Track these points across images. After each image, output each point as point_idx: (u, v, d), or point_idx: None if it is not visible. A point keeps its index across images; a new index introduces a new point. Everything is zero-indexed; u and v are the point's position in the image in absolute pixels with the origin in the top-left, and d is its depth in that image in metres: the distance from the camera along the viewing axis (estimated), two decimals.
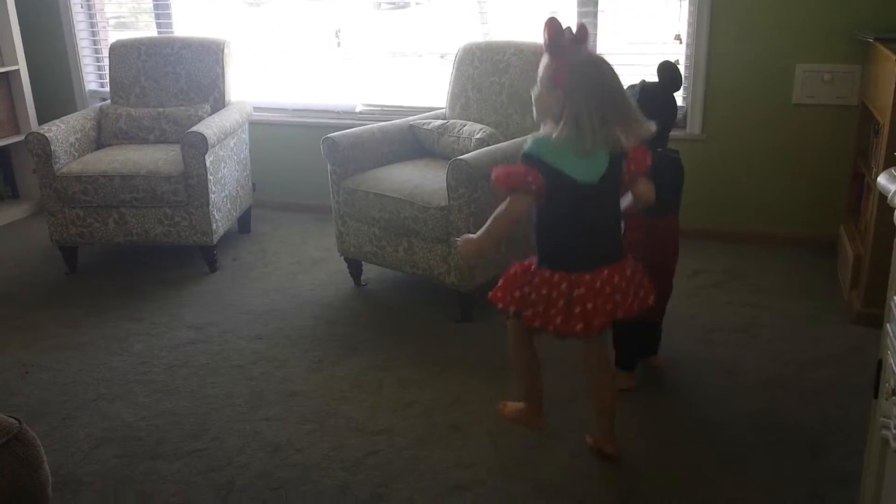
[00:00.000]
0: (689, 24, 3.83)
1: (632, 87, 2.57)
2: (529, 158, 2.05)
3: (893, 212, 1.56)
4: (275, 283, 3.64)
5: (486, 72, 3.59)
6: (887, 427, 1.58)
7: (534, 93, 2.10)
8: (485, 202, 3.04)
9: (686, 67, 3.91)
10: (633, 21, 4.08)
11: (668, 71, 2.52)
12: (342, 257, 3.56)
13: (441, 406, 2.65)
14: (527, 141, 2.08)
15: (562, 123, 2.01)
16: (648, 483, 2.26)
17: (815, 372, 2.79)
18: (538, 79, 2.07)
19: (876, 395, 1.72)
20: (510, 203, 2.09)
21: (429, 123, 3.59)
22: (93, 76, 4.91)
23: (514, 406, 2.43)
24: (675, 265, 2.72)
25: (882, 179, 1.62)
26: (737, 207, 3.97)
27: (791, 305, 3.31)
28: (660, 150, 2.50)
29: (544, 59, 2.06)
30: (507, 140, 3.31)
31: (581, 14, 3.97)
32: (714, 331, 3.11)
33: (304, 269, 3.79)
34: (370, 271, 3.63)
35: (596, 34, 4.00)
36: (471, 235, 2.22)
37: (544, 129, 2.08)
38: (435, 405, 2.65)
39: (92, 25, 4.83)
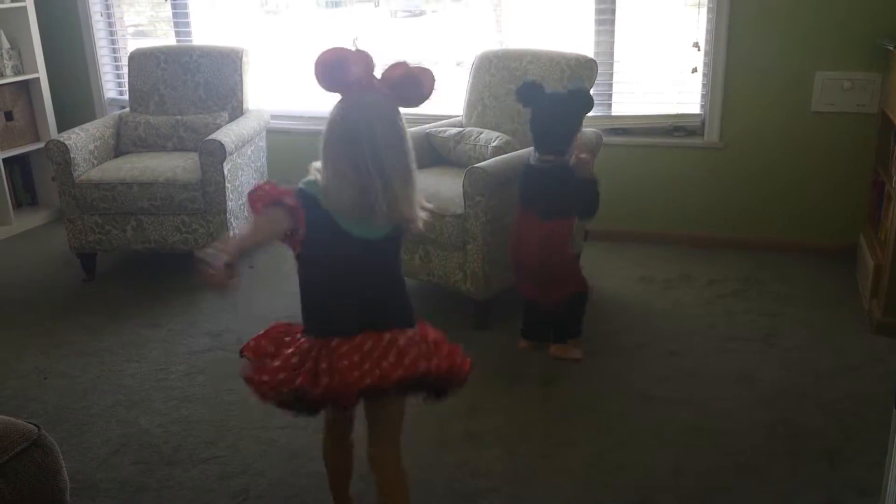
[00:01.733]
0: (708, 32, 3.81)
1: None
2: None
3: None
4: (291, 290, 3.63)
5: (502, 79, 3.59)
6: None
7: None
8: (501, 209, 3.03)
9: (704, 75, 3.90)
10: (650, 29, 4.07)
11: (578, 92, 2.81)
12: None
13: (456, 414, 2.64)
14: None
15: None
16: (664, 491, 2.24)
17: (834, 381, 2.76)
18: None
19: None
20: None
21: (445, 131, 3.59)
22: (112, 84, 4.95)
23: None
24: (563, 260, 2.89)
25: None
26: (755, 215, 3.94)
27: (810, 314, 3.28)
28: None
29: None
30: (524, 148, 3.30)
31: (598, 21, 3.97)
32: (732, 339, 3.09)
33: None
34: None
35: (613, 41, 3.99)
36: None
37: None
38: (450, 413, 2.64)
39: (111, 34, 4.88)
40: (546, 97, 2.82)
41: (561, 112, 2.79)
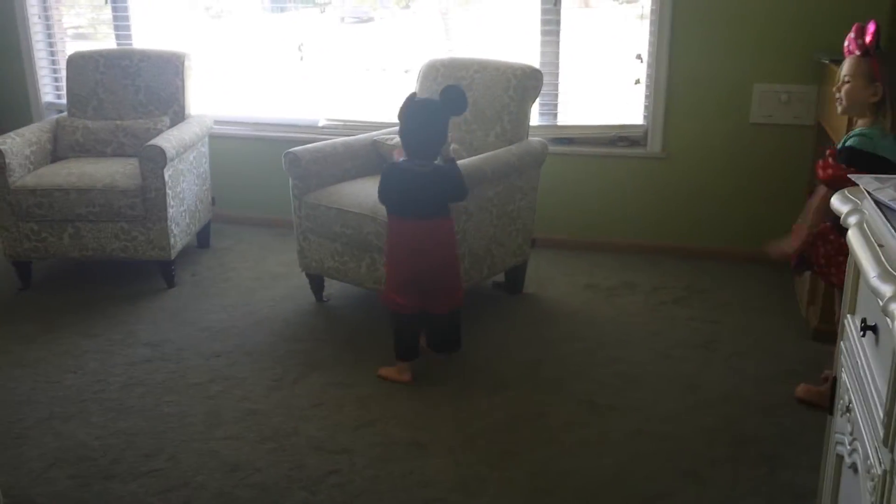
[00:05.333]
0: (650, 44, 3.87)
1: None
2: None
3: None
4: (234, 299, 3.60)
5: None
6: (842, 443, 1.60)
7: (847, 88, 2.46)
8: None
9: (647, 86, 3.96)
10: (595, 40, 4.12)
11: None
12: (303, 273, 3.53)
13: (402, 423, 2.63)
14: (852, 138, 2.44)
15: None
16: (608, 497, 2.26)
17: (773, 387, 2.82)
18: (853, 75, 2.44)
19: (831, 412, 1.75)
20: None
21: (392, 139, 3.58)
22: (49, 88, 4.82)
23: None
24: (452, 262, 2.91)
25: (835, 201, 1.65)
26: (696, 224, 4.02)
27: (750, 321, 3.35)
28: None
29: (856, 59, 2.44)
30: (471, 156, 3.31)
31: (544, 32, 4.00)
32: (675, 346, 3.13)
33: (265, 285, 3.75)
34: (332, 287, 3.60)
35: (558, 52, 4.03)
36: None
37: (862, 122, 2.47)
38: (396, 423, 2.64)
39: (49, 36, 4.75)
40: (414, 104, 2.80)
41: (428, 118, 2.78)
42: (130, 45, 4.58)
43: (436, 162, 2.80)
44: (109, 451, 2.48)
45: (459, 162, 3.19)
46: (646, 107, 3.99)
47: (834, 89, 2.57)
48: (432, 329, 2.95)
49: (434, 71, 3.68)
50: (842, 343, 1.66)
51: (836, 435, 1.65)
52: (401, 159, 2.84)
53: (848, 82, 2.47)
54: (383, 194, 2.85)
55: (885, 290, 1.13)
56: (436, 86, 3.63)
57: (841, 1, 3.55)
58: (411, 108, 2.79)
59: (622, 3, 4.53)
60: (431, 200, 2.79)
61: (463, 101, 2.82)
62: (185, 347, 3.15)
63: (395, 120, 3.93)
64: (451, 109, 2.82)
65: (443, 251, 2.84)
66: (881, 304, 1.13)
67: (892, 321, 1.07)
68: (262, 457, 2.46)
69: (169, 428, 2.61)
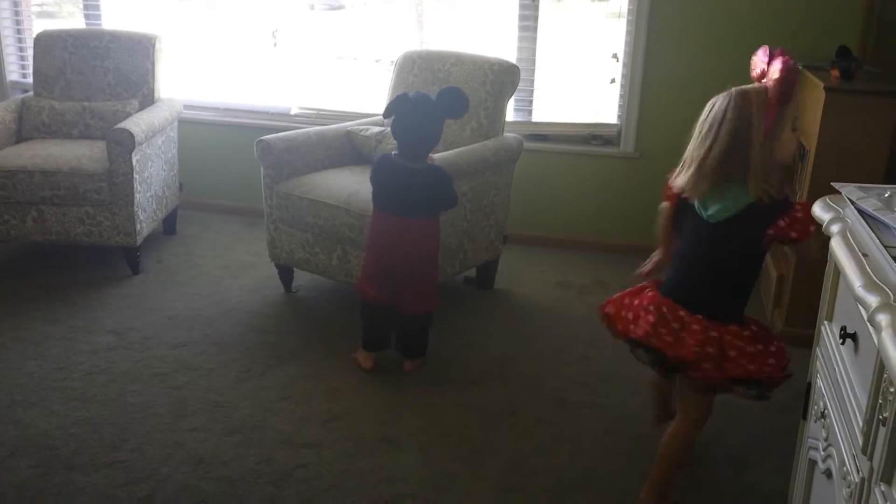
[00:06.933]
0: (626, 44, 3.88)
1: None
2: None
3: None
4: (201, 288, 3.54)
5: (425, 80, 3.57)
6: (815, 448, 1.62)
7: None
8: None
9: (622, 86, 3.97)
10: (572, 38, 4.12)
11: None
12: (273, 263, 3.49)
13: (372, 418, 2.61)
14: None
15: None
16: (579, 495, 2.27)
17: None
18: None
19: (804, 417, 1.76)
20: None
21: (367, 130, 3.55)
22: (15, 66, 4.69)
23: None
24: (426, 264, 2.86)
25: (817, 208, 1.66)
26: None
27: None
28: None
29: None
30: (446, 150, 3.29)
31: (521, 28, 3.99)
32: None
33: (233, 274, 3.70)
34: (301, 278, 3.56)
35: (534, 49, 4.02)
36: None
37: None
38: (365, 417, 2.62)
39: (16, 14, 4.63)
40: (411, 102, 2.71)
41: (425, 117, 2.72)
42: (100, 24, 4.48)
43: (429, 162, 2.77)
44: (72, 441, 2.43)
45: (435, 156, 3.18)
46: (620, 106, 4.00)
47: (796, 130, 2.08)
48: (399, 330, 2.92)
49: (410, 63, 3.65)
50: (817, 349, 1.68)
51: (810, 440, 1.67)
52: (393, 153, 2.77)
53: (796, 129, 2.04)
54: (372, 183, 2.83)
55: (871, 300, 1.13)
56: (412, 78, 3.61)
57: (815, 5, 3.59)
58: (408, 104, 2.70)
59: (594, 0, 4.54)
60: (419, 200, 2.76)
61: (464, 104, 2.76)
62: (150, 336, 3.10)
63: (369, 111, 3.95)
64: (450, 112, 2.76)
65: (421, 251, 2.80)
66: (866, 314, 1.14)
67: (879, 332, 1.07)
68: (228, 450, 2.42)
69: (133, 418, 2.56)
